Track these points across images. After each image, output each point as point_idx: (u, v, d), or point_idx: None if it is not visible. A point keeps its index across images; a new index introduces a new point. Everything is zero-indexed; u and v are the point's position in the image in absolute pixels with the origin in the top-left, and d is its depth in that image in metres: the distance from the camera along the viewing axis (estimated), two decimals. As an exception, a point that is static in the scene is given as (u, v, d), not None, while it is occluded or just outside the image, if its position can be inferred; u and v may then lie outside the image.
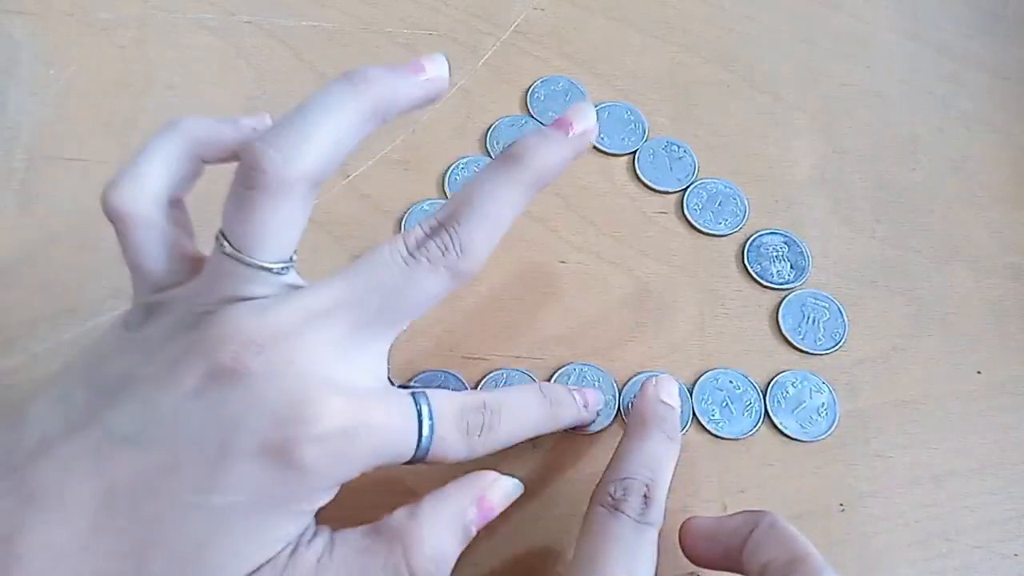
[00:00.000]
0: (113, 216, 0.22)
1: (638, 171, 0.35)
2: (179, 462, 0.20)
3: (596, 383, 0.30)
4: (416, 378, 0.30)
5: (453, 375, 0.30)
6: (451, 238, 0.22)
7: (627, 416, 0.30)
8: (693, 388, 0.30)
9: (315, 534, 0.22)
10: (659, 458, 0.25)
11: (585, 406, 0.28)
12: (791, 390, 0.31)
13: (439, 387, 0.29)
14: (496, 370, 0.30)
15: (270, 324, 0.20)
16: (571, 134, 0.24)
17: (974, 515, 0.29)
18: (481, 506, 0.23)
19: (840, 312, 0.32)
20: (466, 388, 0.30)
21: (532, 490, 0.28)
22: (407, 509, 0.23)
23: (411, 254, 0.22)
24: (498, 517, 0.26)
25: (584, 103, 0.25)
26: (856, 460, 0.30)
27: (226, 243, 0.21)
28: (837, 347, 0.32)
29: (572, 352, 0.31)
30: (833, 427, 0.30)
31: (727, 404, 0.30)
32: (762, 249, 0.34)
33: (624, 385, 0.30)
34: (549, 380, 0.30)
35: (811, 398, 0.31)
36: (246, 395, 0.20)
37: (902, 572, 0.28)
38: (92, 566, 0.19)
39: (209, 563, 0.20)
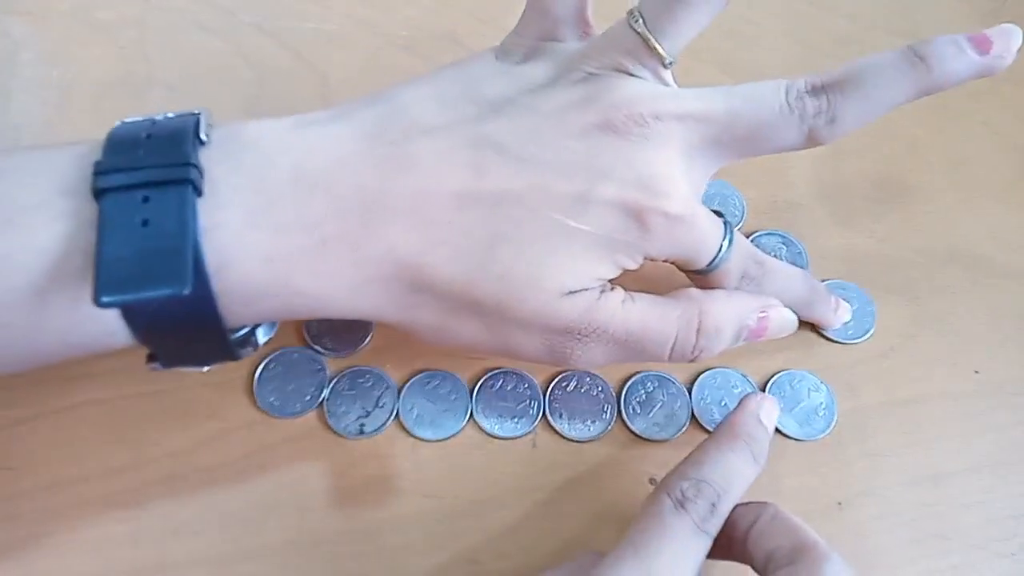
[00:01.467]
0: None
1: (637, 171, 0.35)
2: (549, 185, 0.23)
3: (597, 391, 0.30)
4: (415, 378, 0.30)
5: (453, 375, 0.30)
6: (828, 104, 0.24)
7: (626, 416, 0.30)
8: (692, 388, 0.30)
9: (613, 287, 0.25)
10: (738, 473, 0.24)
11: (836, 310, 0.31)
12: (789, 389, 0.31)
13: (437, 386, 0.30)
14: (496, 369, 0.30)
15: (659, 106, 0.24)
16: (987, 55, 0.24)
17: (972, 514, 0.29)
18: (761, 319, 0.27)
19: (869, 301, 0.33)
20: (465, 389, 0.30)
21: (531, 490, 0.28)
22: (700, 290, 0.26)
23: (788, 102, 0.24)
24: (497, 517, 0.26)
25: (1011, 26, 0.24)
26: (854, 459, 0.30)
27: (641, 20, 0.24)
28: (868, 335, 0.32)
29: (571, 352, 0.31)
30: (831, 426, 0.30)
31: (726, 404, 0.30)
32: (760, 249, 0.34)
33: (624, 386, 0.30)
34: (548, 386, 0.30)
35: (809, 397, 0.31)
36: (622, 154, 0.23)
37: (900, 571, 0.28)
38: (449, 234, 0.23)
39: (546, 269, 0.23)
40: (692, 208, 0.24)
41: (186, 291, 0.20)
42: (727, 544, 0.24)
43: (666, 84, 0.25)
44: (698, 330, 0.25)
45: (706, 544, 0.23)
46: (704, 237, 0.25)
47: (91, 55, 0.36)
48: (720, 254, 0.26)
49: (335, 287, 0.23)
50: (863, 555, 0.28)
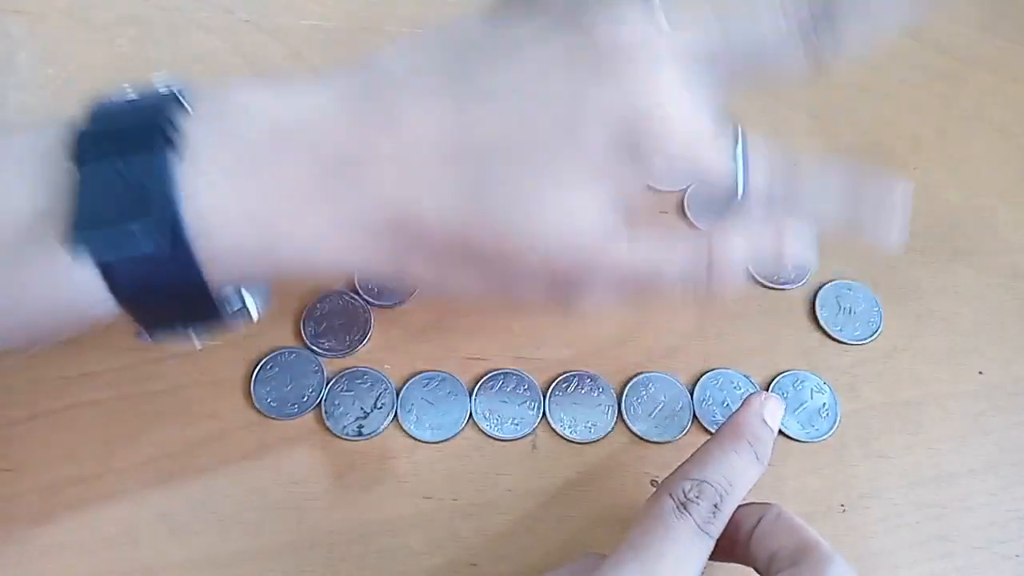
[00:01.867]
0: None
1: (638, 170, 0.35)
2: (537, 126, 0.22)
3: (598, 392, 0.30)
4: (414, 379, 0.29)
5: (452, 376, 0.30)
6: (829, 18, 0.23)
7: (627, 417, 0.30)
8: (693, 389, 0.30)
9: (616, 226, 0.23)
10: (741, 474, 0.24)
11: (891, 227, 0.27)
12: (792, 391, 0.31)
13: (436, 387, 0.29)
14: (496, 370, 0.30)
15: (647, 34, 0.23)
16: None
17: (975, 516, 0.29)
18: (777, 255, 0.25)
19: (875, 302, 0.32)
20: (464, 390, 0.29)
21: (531, 492, 0.28)
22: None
23: (786, 16, 0.23)
24: (497, 519, 0.25)
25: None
26: (857, 461, 0.30)
27: None
28: (875, 335, 0.32)
29: (572, 352, 0.31)
30: (834, 428, 0.30)
31: (728, 405, 0.30)
32: (763, 249, 0.33)
33: (625, 387, 0.30)
34: (548, 387, 0.30)
35: (812, 399, 0.30)
36: (611, 87, 0.22)
37: (903, 573, 0.28)
38: (437, 183, 0.22)
39: (543, 212, 0.22)
40: (689, 132, 0.23)
41: (156, 226, 0.20)
42: (729, 546, 0.24)
43: (654, 18, 0.24)
44: (709, 264, 0.24)
45: (708, 545, 0.23)
46: (711, 166, 0.24)
47: (89, 55, 0.36)
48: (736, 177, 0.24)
49: (319, 242, 0.22)
50: (866, 557, 0.28)
